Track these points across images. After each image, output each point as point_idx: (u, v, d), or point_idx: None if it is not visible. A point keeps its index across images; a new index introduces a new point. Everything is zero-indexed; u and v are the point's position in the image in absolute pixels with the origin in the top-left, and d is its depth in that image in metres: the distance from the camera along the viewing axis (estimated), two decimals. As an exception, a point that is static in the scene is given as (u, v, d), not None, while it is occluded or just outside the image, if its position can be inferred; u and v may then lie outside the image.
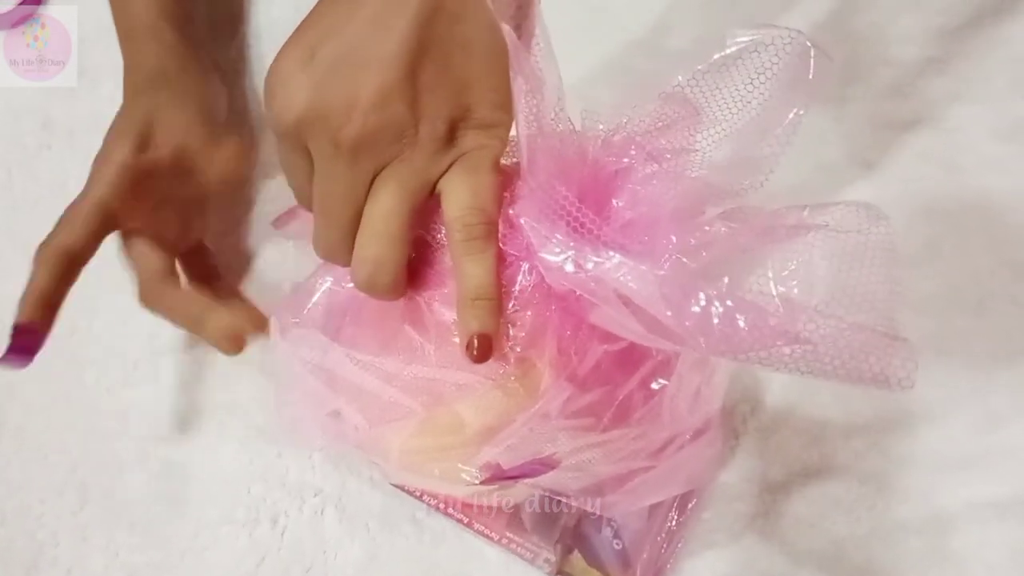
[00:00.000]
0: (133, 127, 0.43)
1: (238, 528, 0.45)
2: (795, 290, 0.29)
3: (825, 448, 0.44)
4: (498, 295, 0.32)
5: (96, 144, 0.55)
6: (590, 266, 0.29)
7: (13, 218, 0.54)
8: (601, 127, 0.33)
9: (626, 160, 0.32)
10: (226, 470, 0.46)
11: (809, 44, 0.30)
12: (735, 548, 0.42)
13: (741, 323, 0.26)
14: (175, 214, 0.45)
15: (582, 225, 0.30)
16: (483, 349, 0.31)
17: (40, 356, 0.50)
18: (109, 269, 0.51)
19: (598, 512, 0.39)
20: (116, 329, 0.50)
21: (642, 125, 0.33)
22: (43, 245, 0.40)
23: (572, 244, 0.29)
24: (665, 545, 0.41)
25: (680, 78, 0.32)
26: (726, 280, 0.30)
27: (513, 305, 0.33)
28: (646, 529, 0.41)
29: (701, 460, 0.39)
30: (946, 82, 0.50)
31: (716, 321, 0.27)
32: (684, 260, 0.30)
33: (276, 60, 0.32)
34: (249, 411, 0.47)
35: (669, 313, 0.27)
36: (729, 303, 0.27)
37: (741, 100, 0.31)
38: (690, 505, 0.42)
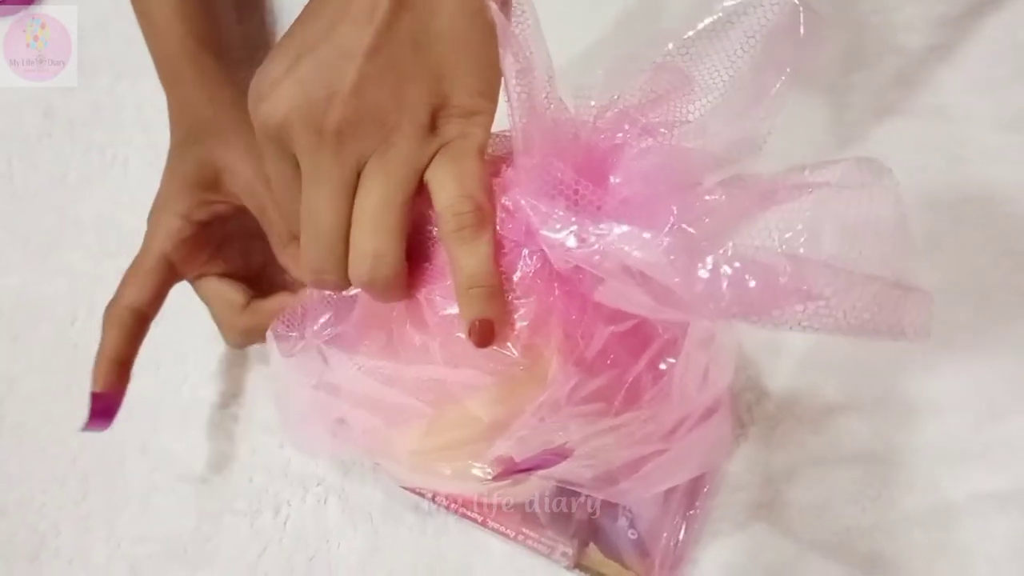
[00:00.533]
0: (193, 177, 0.42)
1: (240, 518, 0.45)
2: (802, 248, 0.28)
3: (829, 438, 0.43)
4: (496, 281, 0.31)
5: (96, 136, 0.56)
6: (593, 239, 0.28)
7: (13, 208, 0.54)
8: (593, 104, 0.32)
9: (620, 136, 0.32)
10: (228, 460, 0.46)
11: (797, 2, 0.29)
12: (740, 538, 0.42)
13: (751, 284, 0.26)
14: (237, 248, 0.44)
15: (582, 198, 0.29)
16: (484, 334, 0.31)
17: (40, 347, 0.50)
18: (109, 260, 0.51)
19: (613, 500, 0.39)
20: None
21: (634, 99, 0.32)
22: (110, 305, 0.40)
23: (574, 219, 0.29)
24: (682, 533, 0.41)
25: (670, 46, 0.31)
26: (731, 245, 0.29)
27: (515, 293, 0.32)
28: (661, 517, 0.41)
29: (712, 440, 0.38)
30: (949, 71, 0.50)
31: (726, 284, 0.26)
32: (688, 228, 0.29)
33: (260, 70, 0.32)
34: (251, 401, 0.47)
35: (678, 280, 0.26)
36: (737, 264, 0.26)
37: (732, 66, 0.31)
38: (704, 491, 0.42)
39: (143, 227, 0.47)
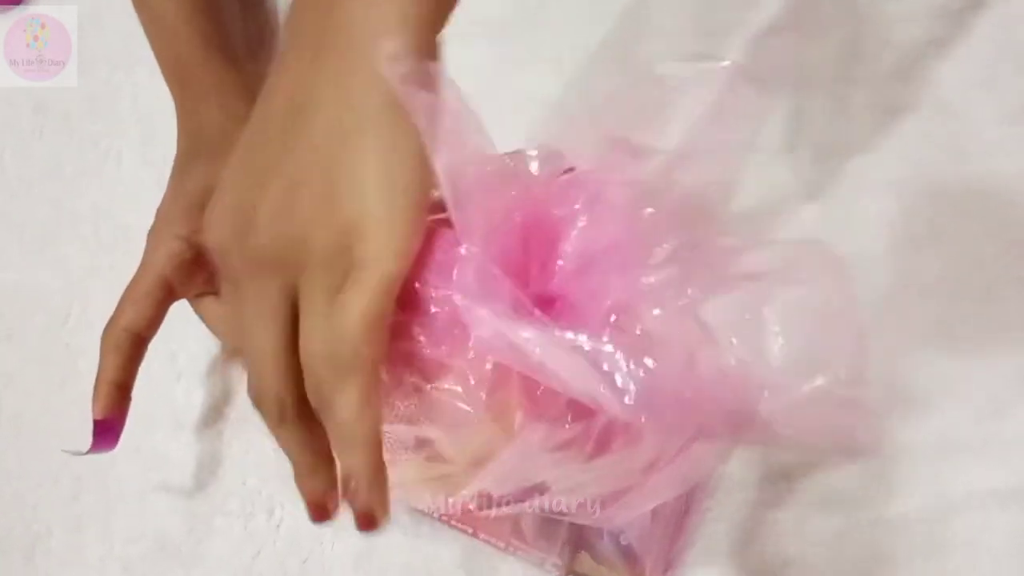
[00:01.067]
0: (197, 199, 0.41)
1: (233, 520, 0.44)
2: (749, 349, 0.27)
3: (828, 436, 0.43)
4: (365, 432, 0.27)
5: (91, 129, 0.55)
6: (519, 341, 0.26)
7: (8, 202, 0.54)
8: (541, 168, 0.31)
9: (572, 202, 0.30)
10: (221, 461, 0.46)
11: (743, 76, 0.28)
12: (737, 538, 0.42)
13: (688, 401, 0.25)
14: None
15: (518, 304, 0.28)
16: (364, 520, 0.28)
17: (34, 345, 0.50)
18: (105, 255, 0.51)
19: (599, 526, 0.38)
20: (110, 315, 0.50)
21: (585, 162, 0.31)
22: (109, 326, 0.39)
23: (506, 326, 0.27)
24: (673, 537, 0.41)
25: (614, 120, 0.30)
26: (673, 349, 0.27)
27: (471, 353, 0.30)
28: (651, 524, 0.40)
29: (695, 464, 0.37)
30: (950, 65, 0.50)
31: (659, 400, 0.25)
32: (635, 327, 0.28)
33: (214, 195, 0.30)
34: (244, 402, 0.47)
35: (606, 392, 0.25)
36: (675, 384, 0.25)
37: (686, 131, 0.29)
38: (695, 496, 0.41)
39: (138, 220, 0.46)
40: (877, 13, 0.51)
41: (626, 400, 0.25)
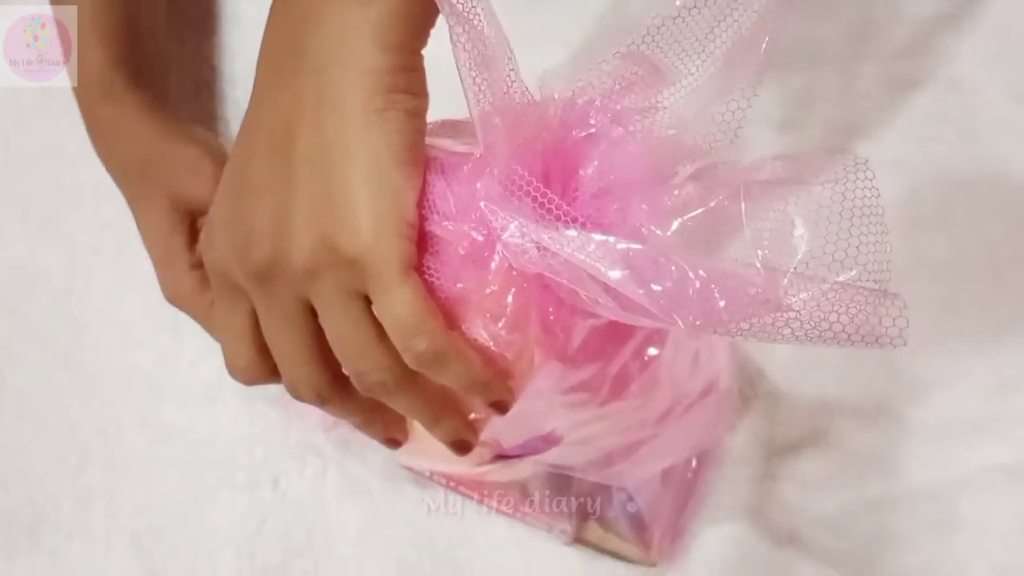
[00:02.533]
0: (173, 219, 0.41)
1: (238, 491, 0.45)
2: (775, 252, 0.27)
3: (834, 411, 0.43)
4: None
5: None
6: (556, 248, 0.27)
7: (11, 179, 0.54)
8: (557, 95, 0.31)
9: (591, 126, 0.30)
10: (227, 432, 0.46)
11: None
12: (742, 511, 0.42)
13: (717, 295, 0.25)
14: None
15: (544, 205, 0.28)
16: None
17: (38, 320, 0.50)
18: (107, 232, 0.51)
19: (608, 483, 0.39)
20: (114, 292, 0.50)
21: (603, 86, 0.30)
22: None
23: (535, 226, 0.28)
24: (681, 507, 0.41)
25: (637, 34, 0.29)
26: (700, 250, 0.28)
27: (490, 288, 0.31)
28: (660, 492, 0.40)
29: (707, 421, 0.38)
30: (960, 41, 0.49)
31: (691, 294, 0.25)
32: (656, 231, 0.28)
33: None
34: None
35: (641, 291, 0.26)
36: (703, 274, 0.25)
37: (703, 51, 0.29)
38: (705, 465, 0.41)
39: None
40: (888, -11, 0.51)
41: (658, 297, 0.25)
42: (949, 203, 0.47)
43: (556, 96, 0.31)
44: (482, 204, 0.29)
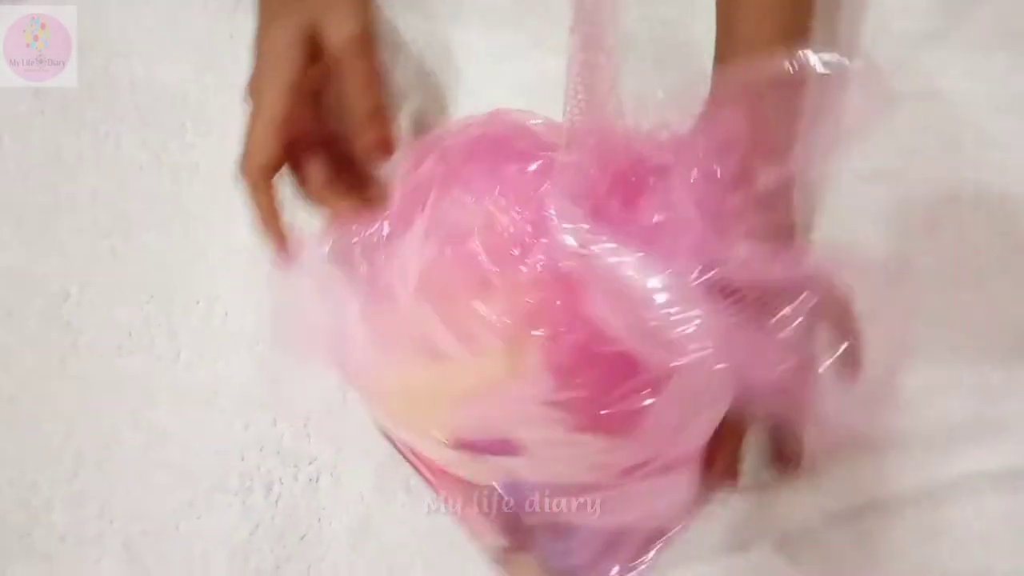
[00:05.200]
0: (298, 38, 0.42)
1: (231, 496, 0.45)
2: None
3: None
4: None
5: (89, 115, 0.55)
6: (596, 248, 0.28)
7: (6, 186, 0.54)
8: (647, 120, 0.32)
9: (670, 159, 0.31)
10: (220, 438, 0.46)
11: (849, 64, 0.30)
12: (725, 516, 0.42)
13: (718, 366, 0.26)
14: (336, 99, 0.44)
15: (607, 208, 0.29)
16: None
17: (32, 323, 0.50)
18: (103, 238, 0.51)
19: (548, 510, 0.37)
20: (109, 296, 0.50)
21: (689, 127, 0.32)
22: (245, 172, 0.42)
23: (589, 225, 0.29)
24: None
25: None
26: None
27: (519, 278, 0.32)
28: (602, 554, 0.39)
29: (667, 496, 0.37)
30: (945, 54, 0.50)
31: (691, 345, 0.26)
32: (688, 279, 0.29)
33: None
34: (244, 379, 0.47)
35: (653, 320, 0.27)
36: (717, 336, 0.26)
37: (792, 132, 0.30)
38: (657, 545, 0.40)
39: (137, 205, 0.46)
40: (872, 2, 0.51)
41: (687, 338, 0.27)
42: (935, 213, 0.47)
43: (646, 119, 0.32)
44: (547, 199, 0.30)
